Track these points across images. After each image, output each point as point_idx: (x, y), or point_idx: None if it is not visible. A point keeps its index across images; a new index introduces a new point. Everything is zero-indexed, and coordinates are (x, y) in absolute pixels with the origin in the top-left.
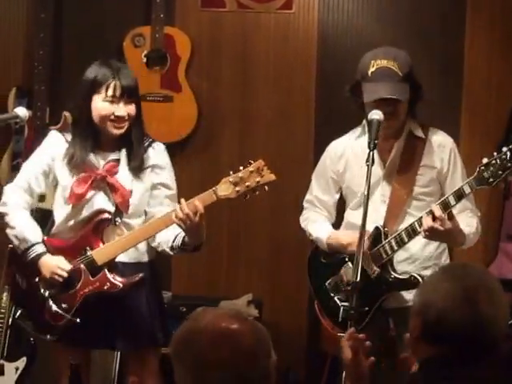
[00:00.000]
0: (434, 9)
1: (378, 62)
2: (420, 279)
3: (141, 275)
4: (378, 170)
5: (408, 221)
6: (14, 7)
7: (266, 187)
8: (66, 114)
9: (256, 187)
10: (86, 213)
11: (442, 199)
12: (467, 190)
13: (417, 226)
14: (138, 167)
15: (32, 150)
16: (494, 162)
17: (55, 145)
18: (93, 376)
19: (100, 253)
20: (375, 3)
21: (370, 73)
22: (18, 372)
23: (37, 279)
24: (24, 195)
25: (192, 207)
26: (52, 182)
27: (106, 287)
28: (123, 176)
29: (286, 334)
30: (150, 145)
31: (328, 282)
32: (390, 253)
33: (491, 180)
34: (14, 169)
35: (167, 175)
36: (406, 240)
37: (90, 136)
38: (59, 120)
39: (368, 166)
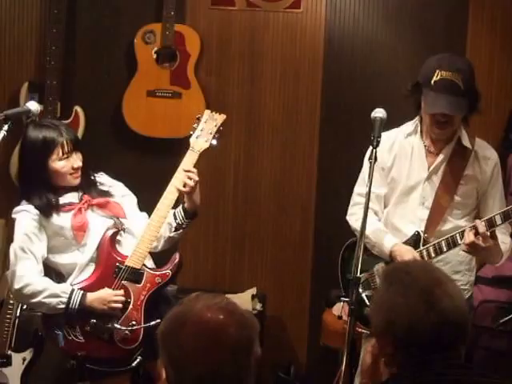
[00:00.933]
0: (439, 9)
1: (442, 73)
2: None
3: (178, 255)
4: (421, 171)
5: (446, 227)
6: (28, 3)
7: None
8: (77, 108)
9: (217, 130)
10: (93, 241)
11: (489, 217)
12: None
13: (458, 238)
14: (103, 193)
15: None
16: None
17: (27, 219)
18: None
19: (134, 259)
20: (382, 3)
21: (433, 82)
22: (25, 363)
23: (94, 320)
24: (37, 265)
25: (189, 172)
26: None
27: (158, 282)
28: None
29: (288, 328)
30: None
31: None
32: (426, 259)
33: None
34: None
35: (122, 188)
36: (445, 250)
37: (48, 191)
38: (70, 114)
39: (370, 162)
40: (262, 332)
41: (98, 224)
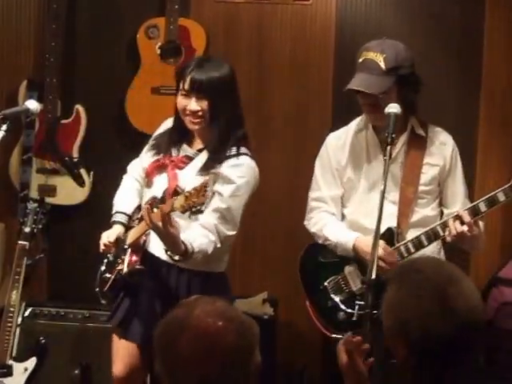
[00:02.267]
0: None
1: (364, 54)
2: None
3: (140, 267)
4: (378, 165)
5: (415, 219)
6: None
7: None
8: (79, 107)
9: (191, 207)
10: (149, 195)
11: (472, 204)
12: (501, 197)
13: (439, 229)
14: (201, 169)
15: (43, 145)
16: None
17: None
18: None
19: (130, 234)
20: None
21: (358, 63)
22: (27, 373)
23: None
24: (138, 168)
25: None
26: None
27: (119, 268)
28: (185, 174)
29: (301, 333)
30: (233, 156)
31: (328, 281)
32: (405, 255)
33: None
34: (25, 163)
35: (230, 188)
36: (426, 244)
37: (178, 129)
38: (71, 113)
39: (385, 160)
40: (273, 337)
41: (157, 187)
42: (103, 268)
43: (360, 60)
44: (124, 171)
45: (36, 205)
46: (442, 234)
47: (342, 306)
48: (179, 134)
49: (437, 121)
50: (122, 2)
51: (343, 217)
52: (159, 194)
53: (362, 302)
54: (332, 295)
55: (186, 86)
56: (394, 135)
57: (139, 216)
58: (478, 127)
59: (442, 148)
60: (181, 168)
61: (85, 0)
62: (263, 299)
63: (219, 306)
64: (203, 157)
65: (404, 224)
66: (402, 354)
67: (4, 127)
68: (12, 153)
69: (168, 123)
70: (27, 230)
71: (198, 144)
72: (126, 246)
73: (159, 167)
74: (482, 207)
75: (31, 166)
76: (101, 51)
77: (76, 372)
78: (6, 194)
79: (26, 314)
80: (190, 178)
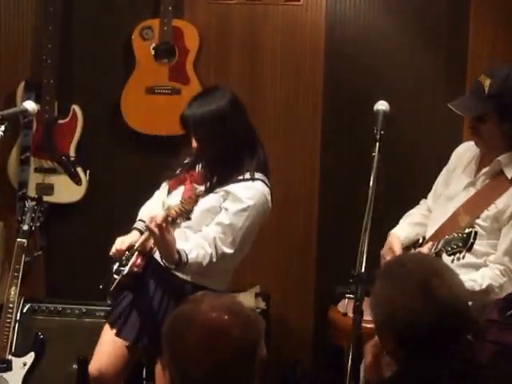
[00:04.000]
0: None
1: (480, 77)
2: None
3: (137, 270)
4: (464, 182)
5: None
6: (23, 0)
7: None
8: (75, 107)
9: (180, 214)
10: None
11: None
12: None
13: None
14: (207, 190)
15: (40, 145)
16: None
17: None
18: None
19: (141, 239)
20: None
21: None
22: (26, 367)
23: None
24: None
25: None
26: None
27: (122, 269)
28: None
29: (293, 327)
30: (247, 180)
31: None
32: None
33: None
34: (23, 163)
35: (236, 206)
36: None
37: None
38: (68, 113)
39: (373, 156)
40: (266, 331)
41: (176, 197)
42: (114, 269)
43: (474, 82)
44: (120, 169)
45: (34, 203)
46: None
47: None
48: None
49: (424, 118)
50: (117, 4)
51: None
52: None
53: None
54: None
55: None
56: (382, 132)
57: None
58: (463, 127)
59: None
60: (199, 183)
61: (81, 2)
62: (255, 293)
63: (225, 300)
64: (214, 179)
65: (435, 240)
66: (392, 347)
67: (2, 128)
68: (10, 152)
69: None
70: (25, 227)
71: None
72: (134, 249)
73: (180, 180)
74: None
75: (29, 166)
76: (96, 52)
77: (74, 366)
78: (4, 193)
79: (25, 309)
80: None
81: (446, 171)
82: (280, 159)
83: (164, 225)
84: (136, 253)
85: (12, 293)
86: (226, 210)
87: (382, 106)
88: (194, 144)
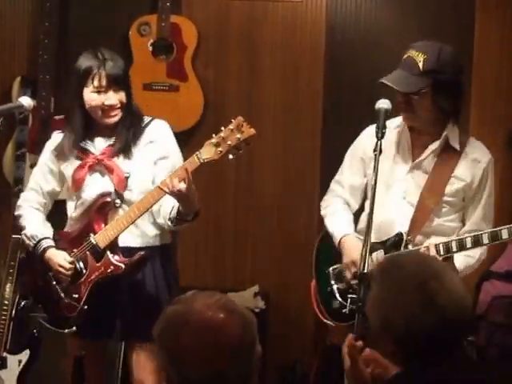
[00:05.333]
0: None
1: (408, 51)
2: None
3: (141, 253)
4: (403, 164)
5: (431, 227)
6: None
7: (248, 144)
8: None
9: (238, 144)
10: (88, 199)
11: (446, 241)
12: (505, 235)
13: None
14: (124, 148)
15: (36, 140)
16: None
17: (56, 142)
18: None
19: (101, 236)
20: None
21: (402, 60)
22: (21, 365)
23: (50, 273)
24: (35, 196)
25: (178, 175)
26: (61, 177)
27: (109, 270)
28: (122, 161)
29: (292, 326)
30: (148, 124)
31: (333, 267)
32: None
33: None
34: (18, 159)
35: (163, 147)
36: None
37: (85, 124)
38: (64, 109)
39: (375, 155)
40: (265, 331)
41: (97, 184)
42: (62, 295)
43: (403, 57)
44: None
45: None
46: None
47: (337, 295)
48: (85, 133)
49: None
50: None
51: (364, 209)
52: (108, 189)
53: (354, 296)
54: (332, 281)
55: (98, 83)
56: (384, 130)
57: (88, 221)
58: (469, 126)
59: (474, 165)
60: (113, 156)
61: None
62: (254, 293)
63: (218, 299)
64: (124, 138)
65: (415, 231)
66: (390, 351)
67: None
68: (6, 148)
69: (56, 138)
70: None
71: (107, 132)
72: (101, 250)
73: (90, 168)
74: (454, 247)
75: (25, 162)
76: (93, 48)
77: (69, 364)
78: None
79: (20, 306)
80: (121, 160)
81: (356, 162)
82: (279, 158)
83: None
84: (107, 252)
85: (7, 290)
86: (162, 157)
87: (383, 104)
88: (113, 101)
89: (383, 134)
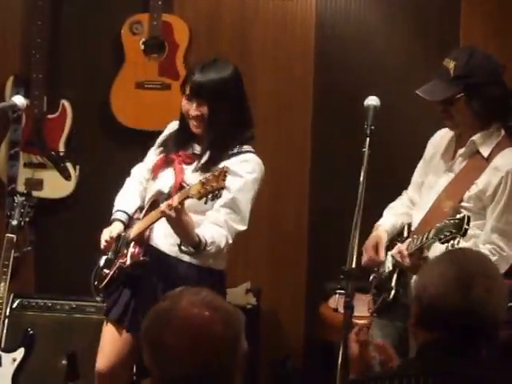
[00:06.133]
0: None
1: (444, 61)
2: None
3: (146, 258)
4: (443, 164)
5: None
6: None
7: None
8: (64, 102)
9: (211, 191)
10: (152, 191)
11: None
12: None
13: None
14: (202, 167)
15: (30, 140)
16: None
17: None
18: None
19: (134, 228)
20: None
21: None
22: (16, 363)
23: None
24: (143, 170)
25: (169, 202)
26: None
27: (121, 261)
28: (191, 170)
29: (284, 323)
30: (237, 153)
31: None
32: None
33: None
34: (12, 158)
35: (238, 182)
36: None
37: (184, 130)
38: (57, 108)
39: (364, 152)
40: (257, 327)
41: (163, 181)
42: (102, 264)
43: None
44: (109, 164)
45: (23, 198)
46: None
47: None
48: (186, 135)
49: (418, 116)
50: None
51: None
52: (165, 189)
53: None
54: None
55: (188, 91)
56: (372, 127)
57: (143, 213)
58: None
59: (493, 173)
60: (187, 163)
61: None
62: (246, 289)
63: (204, 296)
64: (207, 155)
65: (421, 231)
66: (412, 322)
67: None
68: (0, 148)
69: (173, 125)
70: (14, 222)
71: (202, 142)
72: (129, 239)
73: (166, 162)
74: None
75: (18, 161)
76: (86, 47)
77: (63, 362)
78: None
79: (14, 305)
80: (193, 174)
81: (422, 161)
82: (270, 155)
83: (180, 207)
84: (132, 243)
85: (1, 288)
86: (228, 189)
87: (372, 101)
88: (194, 112)
89: (372, 131)
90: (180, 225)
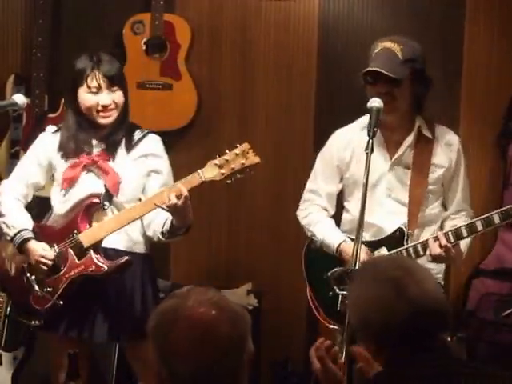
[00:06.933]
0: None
1: (382, 44)
2: None
3: (126, 258)
4: (382, 163)
5: (423, 218)
6: None
7: (251, 170)
8: None
9: (241, 169)
10: (77, 197)
11: (456, 228)
12: (496, 220)
13: (420, 249)
14: (115, 147)
15: (30, 138)
16: None
17: (48, 139)
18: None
19: (87, 235)
20: None
21: (373, 54)
22: (17, 362)
23: (25, 265)
24: (19, 186)
25: (176, 190)
26: (48, 172)
27: (90, 269)
28: (117, 161)
29: (285, 324)
30: (144, 136)
31: (331, 272)
32: (413, 257)
33: None
34: (13, 157)
35: (157, 161)
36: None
37: (82, 125)
38: (58, 107)
39: (367, 153)
40: (258, 328)
41: (88, 185)
42: (36, 288)
43: (376, 50)
44: None
45: None
46: (422, 253)
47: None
48: (85, 130)
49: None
50: None
51: (346, 211)
52: (99, 190)
53: None
54: (333, 286)
55: (93, 83)
56: (375, 129)
57: (70, 220)
58: (458, 127)
59: (448, 149)
60: (108, 160)
61: None
62: (248, 290)
63: (212, 296)
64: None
65: (413, 224)
66: (373, 349)
67: None
68: (0, 146)
69: (47, 137)
70: None
71: (103, 132)
72: (84, 247)
73: (84, 167)
74: (479, 226)
75: (19, 160)
76: (87, 46)
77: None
78: None
79: None
80: (119, 163)
81: (327, 170)
82: (273, 154)
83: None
84: (91, 251)
85: None
86: (159, 171)
87: (375, 103)
88: (110, 100)
89: (375, 133)
90: (187, 210)
